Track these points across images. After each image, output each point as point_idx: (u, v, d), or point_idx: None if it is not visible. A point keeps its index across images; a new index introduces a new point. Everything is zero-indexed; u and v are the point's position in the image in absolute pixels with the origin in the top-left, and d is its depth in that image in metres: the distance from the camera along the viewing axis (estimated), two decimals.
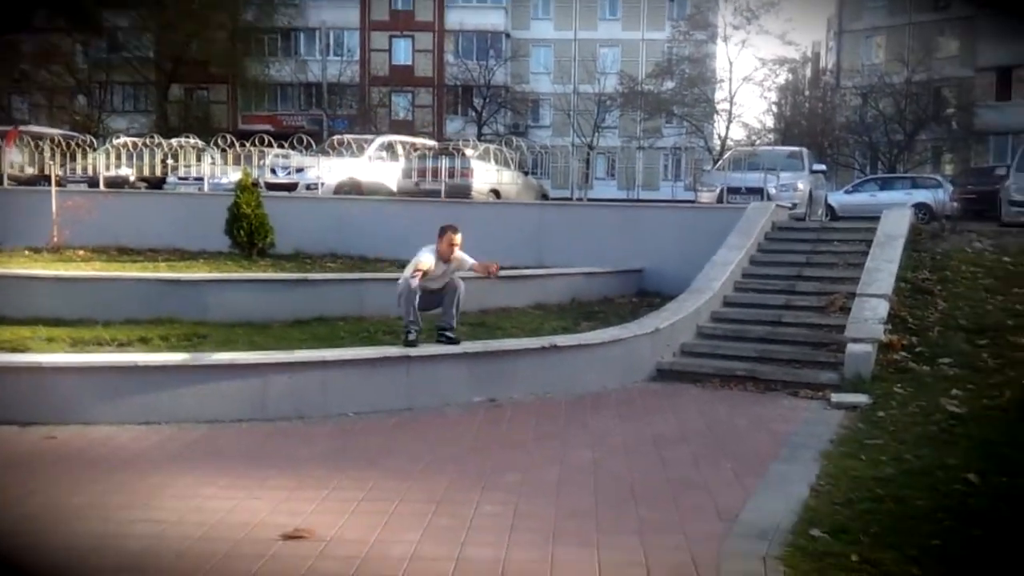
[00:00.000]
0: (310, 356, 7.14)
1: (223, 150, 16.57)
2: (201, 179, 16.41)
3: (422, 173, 15.67)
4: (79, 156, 16.64)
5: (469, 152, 16.31)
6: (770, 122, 42.25)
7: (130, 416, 6.46)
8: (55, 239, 11.99)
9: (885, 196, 20.14)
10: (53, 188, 12.98)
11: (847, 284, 9.72)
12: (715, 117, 39.92)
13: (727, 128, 39.23)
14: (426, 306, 7.57)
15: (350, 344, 7.89)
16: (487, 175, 15.94)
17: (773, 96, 41.86)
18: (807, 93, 44.80)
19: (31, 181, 16.45)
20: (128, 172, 17.21)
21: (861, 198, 21.22)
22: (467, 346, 7.72)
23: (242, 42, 41.35)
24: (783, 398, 7.99)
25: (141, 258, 11.61)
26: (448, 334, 7.65)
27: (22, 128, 19.61)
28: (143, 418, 6.47)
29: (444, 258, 7.54)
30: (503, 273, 10.68)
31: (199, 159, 17.26)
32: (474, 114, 43.28)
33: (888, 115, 35.16)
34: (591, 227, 13.05)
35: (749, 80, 39.19)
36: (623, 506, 4.94)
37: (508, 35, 46.12)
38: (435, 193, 14.77)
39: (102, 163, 16.48)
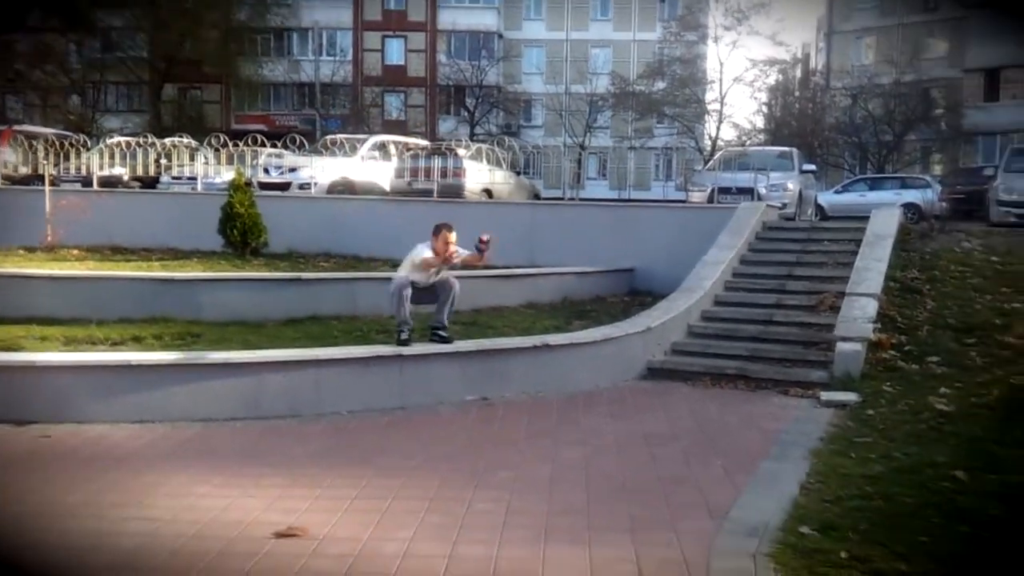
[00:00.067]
0: (304, 355, 7.16)
1: (216, 150, 16.58)
2: (195, 178, 16.37)
3: (415, 173, 15.68)
4: (73, 156, 16.65)
5: (462, 152, 16.33)
6: (760, 122, 42.40)
7: (124, 415, 6.47)
8: (49, 238, 11.98)
9: (874, 196, 20.20)
10: (47, 187, 12.97)
11: (837, 283, 9.77)
12: (706, 117, 39.99)
13: (718, 128, 39.36)
14: (418, 300, 7.60)
15: (343, 343, 7.91)
16: (479, 175, 15.97)
17: (763, 97, 42.06)
18: (797, 94, 44.87)
19: (25, 180, 16.41)
20: (122, 171, 17.18)
21: (850, 198, 21.26)
22: (460, 345, 7.75)
23: (235, 42, 41.14)
24: (773, 396, 8.03)
25: (135, 257, 11.59)
26: (441, 333, 7.69)
27: (16, 128, 19.59)
28: (137, 417, 6.48)
29: (439, 254, 7.57)
30: (495, 272, 10.76)
31: (192, 159, 17.25)
32: (467, 114, 43.25)
33: (877, 116, 35.29)
34: (583, 227, 13.08)
35: (740, 81, 39.31)
36: (614, 503, 4.96)
37: (500, 35, 46.14)
38: (428, 193, 14.78)
39: (96, 162, 16.48)
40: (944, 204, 18.46)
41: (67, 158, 16.59)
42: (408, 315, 7.48)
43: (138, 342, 7.67)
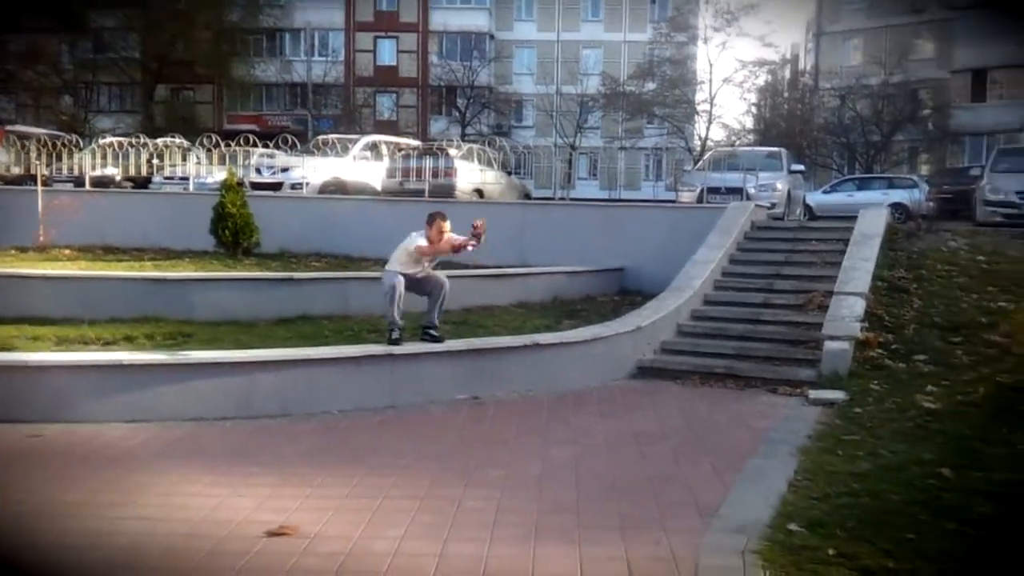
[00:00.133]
0: (295, 354, 7.18)
1: (208, 150, 16.59)
2: (186, 179, 16.41)
3: (406, 173, 15.71)
4: (65, 156, 16.63)
5: (453, 152, 16.36)
6: (749, 123, 42.64)
7: (116, 414, 6.48)
8: (41, 238, 11.98)
9: (862, 196, 20.27)
10: (39, 188, 12.97)
11: (825, 282, 9.81)
12: (696, 118, 40.17)
13: (707, 129, 39.57)
14: (408, 287, 7.59)
15: (335, 343, 7.93)
16: (470, 175, 16.00)
17: (753, 97, 42.31)
18: (786, 94, 45.05)
19: (17, 180, 16.43)
20: (114, 172, 17.20)
21: (838, 198, 21.33)
22: (451, 344, 7.77)
23: (227, 43, 41.27)
24: (762, 395, 8.08)
25: (127, 257, 11.60)
26: (432, 332, 7.70)
27: (8, 128, 19.57)
28: (129, 416, 6.49)
29: (434, 243, 7.56)
30: (486, 272, 10.79)
31: (184, 159, 17.27)
32: (458, 114, 43.29)
33: (865, 116, 35.46)
34: (573, 227, 13.11)
35: (729, 81, 39.50)
36: (604, 502, 4.98)
37: (492, 36, 46.17)
38: (419, 192, 14.81)
39: (88, 163, 16.51)
40: (931, 204, 18.56)
41: (59, 158, 16.58)
42: (399, 315, 7.49)
43: (130, 342, 7.66)
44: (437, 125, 44.10)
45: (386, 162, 17.08)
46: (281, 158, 17.00)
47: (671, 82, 39.51)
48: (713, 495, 5.07)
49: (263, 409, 6.80)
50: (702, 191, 15.23)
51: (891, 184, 22.43)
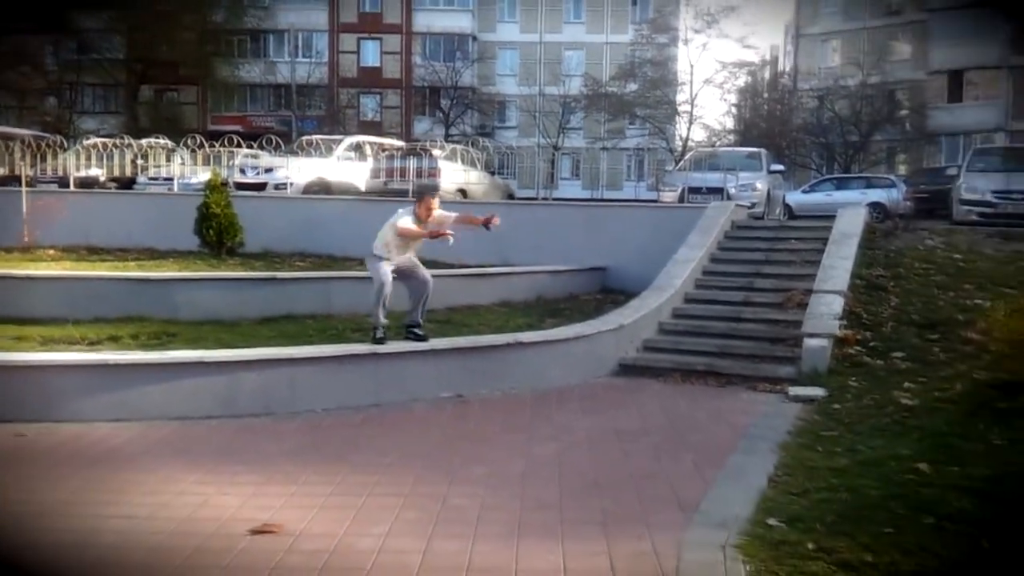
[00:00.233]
0: (279, 353, 7.18)
1: (193, 150, 16.58)
2: (171, 179, 16.39)
3: (390, 173, 15.73)
4: (50, 156, 16.57)
5: (436, 152, 16.41)
6: (730, 124, 42.82)
7: (100, 414, 6.46)
8: (26, 238, 11.95)
9: (841, 195, 20.37)
10: (24, 188, 12.92)
11: (804, 281, 9.87)
12: (677, 119, 40.28)
13: (688, 129, 39.66)
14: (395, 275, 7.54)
15: (318, 342, 7.93)
16: (454, 175, 16.03)
17: (733, 98, 42.43)
18: (766, 95, 45.33)
19: (1, 181, 16.28)
20: (98, 172, 17.17)
21: (817, 197, 21.42)
22: (435, 343, 7.78)
23: (211, 44, 41.15)
24: (742, 392, 8.12)
25: (111, 257, 11.59)
26: (416, 331, 7.70)
27: None
28: (113, 415, 6.47)
29: (423, 220, 7.50)
30: (470, 271, 10.81)
31: (169, 159, 17.25)
32: (441, 115, 43.25)
33: (844, 117, 35.72)
34: (556, 226, 13.14)
35: (710, 83, 39.64)
36: (587, 498, 5.00)
37: (475, 38, 46.19)
38: (403, 193, 14.76)
39: (73, 163, 16.47)
40: (909, 203, 18.72)
41: (44, 159, 16.54)
42: (384, 315, 7.47)
43: (115, 341, 7.66)
44: (421, 126, 44.07)
45: (370, 162, 17.09)
46: (265, 158, 17.00)
47: (652, 83, 39.66)
48: (694, 491, 5.09)
49: (247, 408, 6.80)
50: (683, 191, 15.34)
51: (869, 184, 22.57)
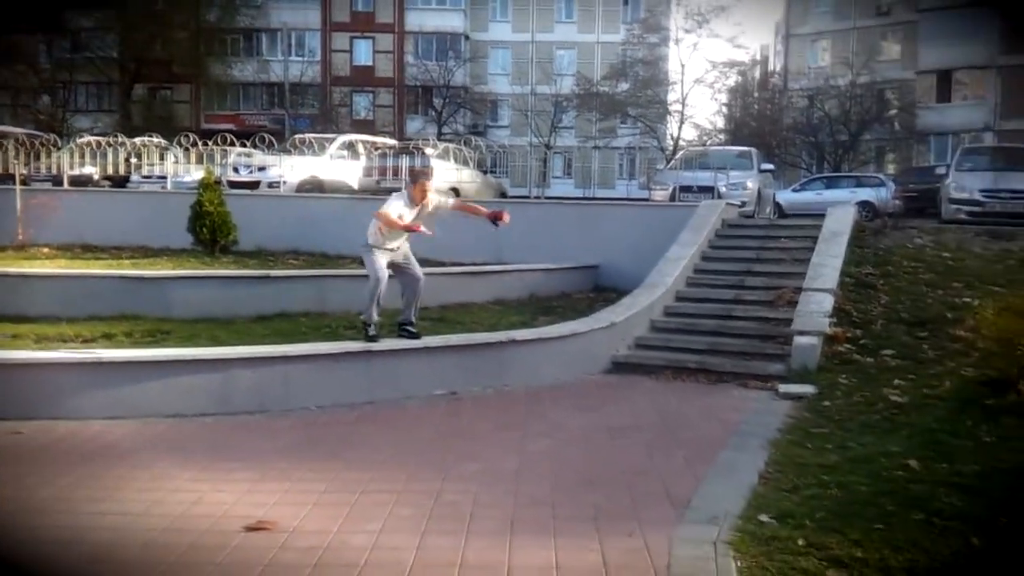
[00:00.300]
0: (273, 351, 7.20)
1: (186, 149, 16.58)
2: (164, 177, 16.38)
3: (383, 171, 15.76)
4: (43, 155, 16.55)
5: (429, 151, 16.43)
6: (720, 123, 43.10)
7: (95, 411, 6.46)
8: (20, 237, 11.93)
9: (830, 194, 20.42)
10: (18, 187, 12.90)
11: (794, 279, 9.91)
12: (668, 118, 40.45)
13: (679, 128, 39.87)
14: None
15: (312, 339, 7.95)
16: (447, 173, 16.03)
17: (723, 98, 42.73)
18: (756, 95, 45.59)
19: None
20: (92, 171, 17.13)
21: (807, 196, 21.46)
22: (428, 340, 7.78)
23: (205, 43, 41.20)
24: (733, 389, 8.13)
25: (105, 255, 11.59)
26: (409, 329, 7.70)
27: None
28: (108, 413, 6.47)
29: (416, 203, 7.41)
30: (463, 269, 10.84)
31: (162, 158, 17.23)
32: (434, 114, 43.29)
33: (833, 116, 35.87)
34: (549, 225, 13.16)
35: (700, 82, 39.85)
36: (579, 495, 5.01)
37: (467, 37, 46.22)
38: (396, 191, 14.80)
39: (66, 162, 16.44)
40: (898, 202, 18.81)
41: (38, 157, 16.53)
42: (377, 313, 7.46)
43: (109, 339, 7.66)
44: (413, 124, 44.07)
45: (363, 161, 17.11)
46: (258, 157, 17.02)
47: (644, 82, 39.78)
48: (685, 487, 5.11)
49: (242, 405, 6.80)
50: (674, 190, 15.40)
51: (859, 183, 22.65)
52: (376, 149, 17.58)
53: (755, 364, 8.61)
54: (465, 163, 17.44)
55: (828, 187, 22.57)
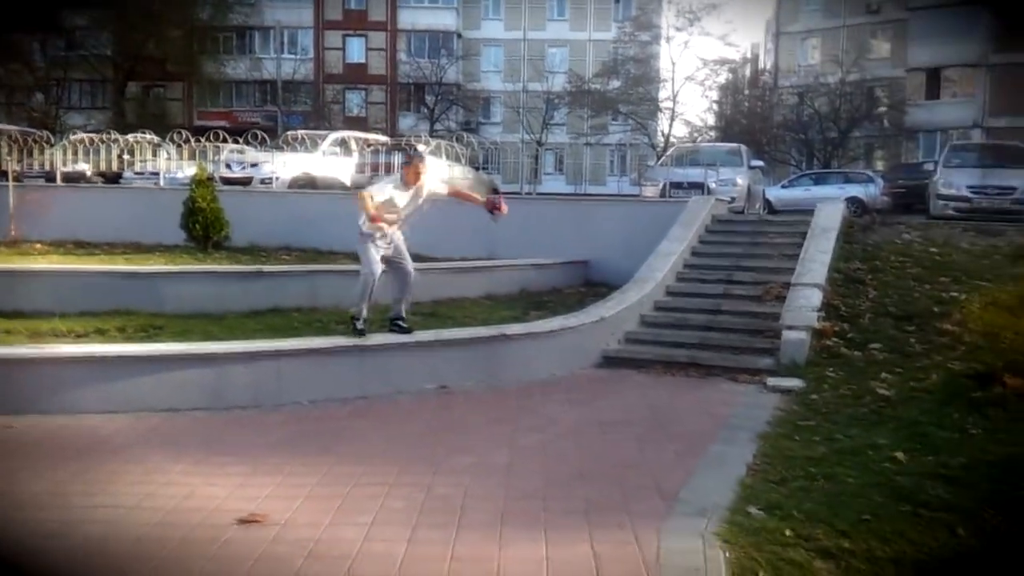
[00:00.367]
0: (265, 346, 7.19)
1: (179, 145, 16.56)
2: (157, 174, 16.37)
3: (375, 168, 15.75)
4: (37, 152, 16.54)
5: (421, 148, 16.41)
6: (711, 120, 43.30)
7: (88, 406, 6.45)
8: (13, 233, 11.91)
9: (819, 190, 20.52)
10: (10, 183, 12.87)
11: (783, 274, 9.95)
12: (659, 115, 40.62)
13: (670, 125, 40.04)
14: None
15: (304, 334, 7.91)
16: (439, 170, 16.04)
17: (714, 95, 42.98)
18: (746, 92, 45.74)
19: None
20: (85, 167, 17.13)
21: (797, 192, 21.55)
22: (419, 335, 7.79)
23: (198, 40, 41.20)
24: (722, 383, 8.15)
25: (98, 251, 11.56)
26: (401, 323, 7.69)
27: None
28: (101, 408, 6.46)
29: (409, 186, 7.33)
30: (455, 265, 10.86)
31: (155, 154, 17.23)
32: (426, 111, 43.33)
33: (823, 113, 36.05)
34: (540, 220, 13.14)
35: (691, 80, 40.00)
36: (570, 488, 5.02)
37: (459, 35, 46.27)
38: None
39: (60, 158, 16.43)
40: (886, 198, 18.95)
41: (31, 154, 16.50)
42: (367, 309, 7.45)
43: (102, 335, 7.64)
44: (406, 121, 44.14)
45: (355, 157, 17.10)
46: (251, 153, 17.01)
47: (635, 80, 39.89)
48: (675, 480, 5.13)
49: (234, 400, 6.80)
50: (665, 186, 15.46)
51: (848, 179, 22.76)
52: (368, 146, 17.60)
53: (744, 358, 8.64)
54: (457, 160, 17.48)
55: (817, 183, 22.67)
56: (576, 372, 8.58)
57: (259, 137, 17.95)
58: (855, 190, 20.29)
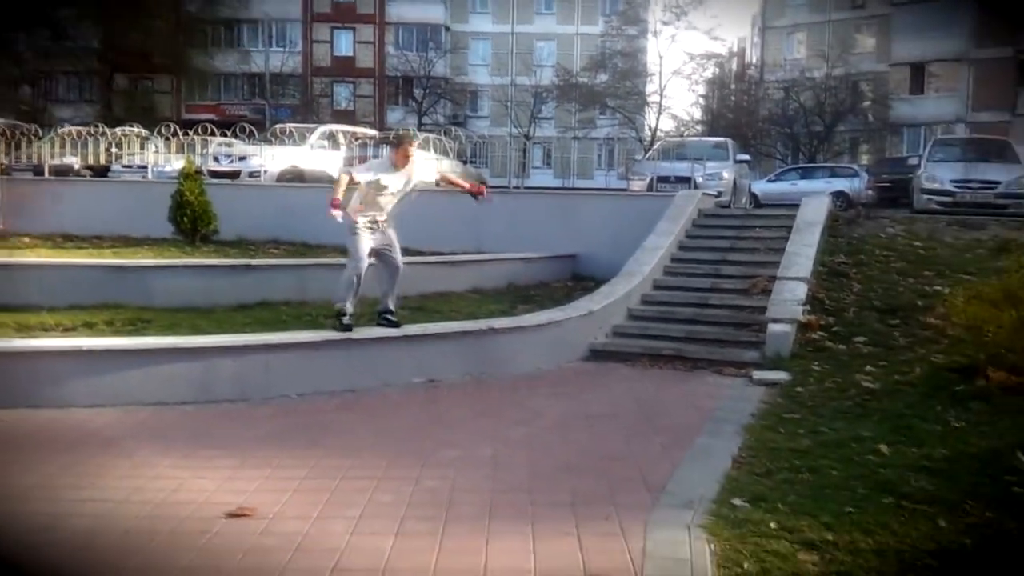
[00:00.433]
0: (253, 340, 7.18)
1: (167, 139, 16.51)
2: (145, 167, 16.29)
3: (363, 161, 15.70)
4: (24, 145, 16.42)
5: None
6: (698, 114, 43.44)
7: (76, 400, 6.43)
8: (1, 226, 11.83)
9: (805, 184, 20.63)
10: None
11: (769, 268, 9.99)
12: (646, 109, 40.71)
13: (657, 120, 40.22)
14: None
15: (292, 328, 7.92)
16: (427, 164, 16.03)
17: (701, 89, 43.14)
18: (733, 86, 45.95)
19: None
20: (73, 160, 17.01)
21: (782, 186, 21.67)
22: (407, 329, 7.79)
23: (186, 33, 40.92)
24: (708, 376, 8.19)
25: (86, 245, 11.51)
26: (389, 317, 7.67)
27: None
28: (89, 401, 6.44)
29: (398, 168, 7.26)
30: (442, 259, 10.86)
31: (143, 147, 17.14)
32: (414, 104, 43.24)
33: (809, 108, 36.20)
34: (528, 214, 13.18)
35: (678, 74, 40.23)
36: (556, 480, 5.04)
37: (447, 28, 46.21)
38: None
39: (47, 151, 16.35)
40: (871, 192, 19.07)
41: (18, 147, 16.41)
42: (353, 302, 7.41)
43: (89, 328, 7.61)
44: (394, 115, 44.11)
45: (343, 151, 17.06)
46: (239, 147, 16.95)
47: (622, 74, 39.99)
48: (661, 472, 5.15)
49: (223, 394, 6.80)
50: (652, 180, 15.51)
51: (833, 173, 22.91)
52: (356, 139, 17.56)
53: (730, 351, 8.68)
54: (445, 153, 17.47)
55: (803, 177, 22.80)
56: (563, 365, 8.60)
57: (247, 130, 17.91)
58: (840, 184, 20.42)
